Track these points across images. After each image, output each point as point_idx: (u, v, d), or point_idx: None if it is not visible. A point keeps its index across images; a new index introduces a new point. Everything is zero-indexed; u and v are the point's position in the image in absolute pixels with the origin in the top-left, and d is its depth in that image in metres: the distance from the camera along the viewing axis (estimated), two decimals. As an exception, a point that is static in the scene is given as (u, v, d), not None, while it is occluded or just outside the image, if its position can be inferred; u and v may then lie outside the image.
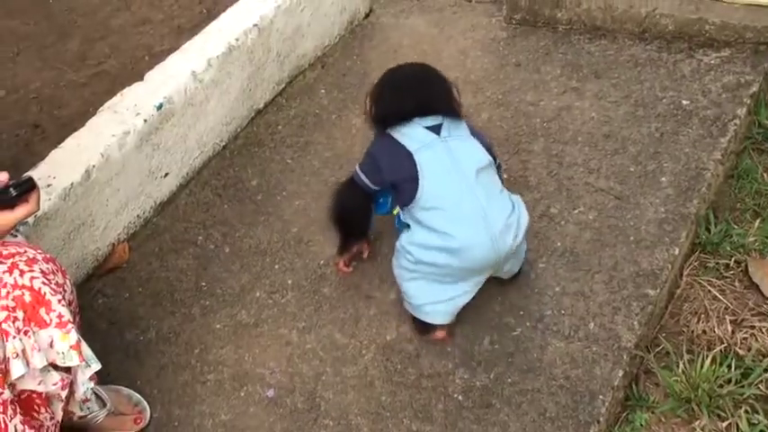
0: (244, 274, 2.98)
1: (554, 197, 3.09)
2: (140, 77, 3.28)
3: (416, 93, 2.61)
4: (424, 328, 2.66)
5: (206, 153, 3.38)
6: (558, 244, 2.92)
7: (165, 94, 3.14)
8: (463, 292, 2.57)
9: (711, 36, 3.68)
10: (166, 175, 3.21)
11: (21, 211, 2.17)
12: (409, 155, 2.51)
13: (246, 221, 3.18)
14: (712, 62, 3.60)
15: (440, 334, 2.66)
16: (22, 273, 2.13)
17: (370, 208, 2.75)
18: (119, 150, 2.96)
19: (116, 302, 2.92)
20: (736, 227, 3.08)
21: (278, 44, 3.57)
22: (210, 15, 3.75)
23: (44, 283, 2.14)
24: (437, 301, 2.57)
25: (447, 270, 2.50)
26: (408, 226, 2.58)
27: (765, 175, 3.29)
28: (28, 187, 2.18)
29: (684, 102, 3.42)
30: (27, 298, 2.10)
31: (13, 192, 2.15)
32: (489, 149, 2.63)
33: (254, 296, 2.91)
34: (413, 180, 2.49)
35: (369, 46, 3.91)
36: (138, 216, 3.15)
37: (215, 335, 2.80)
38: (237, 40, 3.38)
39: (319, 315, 2.81)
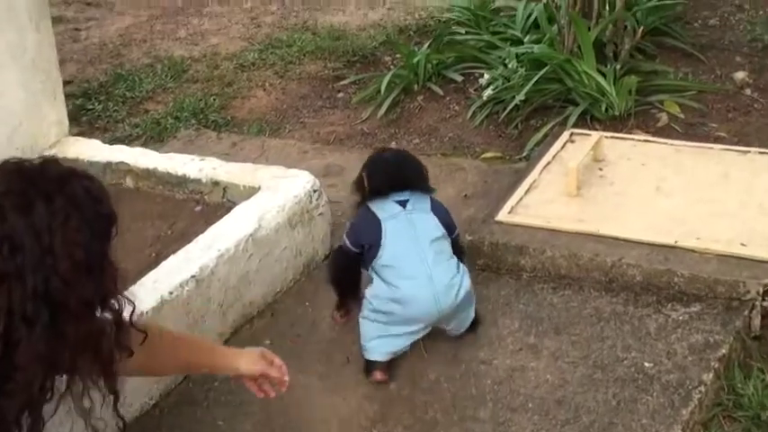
0: None
1: (494, 475, 2.82)
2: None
3: (393, 175, 3.36)
4: (366, 368, 3.25)
5: (132, 413, 3.16)
6: None
7: (85, 354, 2.95)
8: (403, 333, 3.22)
9: (681, 289, 3.48)
10: (84, 439, 2.99)
11: None
12: (379, 222, 3.23)
13: (164, 492, 2.94)
14: (680, 318, 3.38)
15: (378, 375, 3.22)
16: None
17: (357, 268, 3.38)
18: (23, 419, 2.76)
19: None
20: None
21: (219, 294, 3.40)
22: (159, 259, 3.61)
23: None
24: (378, 337, 3.22)
25: (394, 318, 3.18)
26: (372, 280, 3.26)
27: (736, 447, 3.01)
28: None
29: (647, 364, 3.19)
30: None
31: None
32: (447, 224, 3.36)
33: None
34: (378, 242, 3.21)
35: (324, 290, 3.73)
36: (47, 486, 2.91)
37: None
38: (172, 293, 3.22)
39: None
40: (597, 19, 5.14)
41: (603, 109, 4.84)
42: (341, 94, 5.65)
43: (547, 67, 4.92)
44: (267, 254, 3.60)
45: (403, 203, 3.29)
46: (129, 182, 4.10)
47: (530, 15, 5.71)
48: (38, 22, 4.07)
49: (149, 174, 4.04)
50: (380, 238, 3.22)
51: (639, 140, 4.45)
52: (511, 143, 4.81)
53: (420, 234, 3.24)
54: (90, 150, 4.21)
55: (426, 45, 5.66)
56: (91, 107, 5.71)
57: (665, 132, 4.72)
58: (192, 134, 5.15)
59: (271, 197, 3.72)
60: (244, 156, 4.85)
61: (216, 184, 3.92)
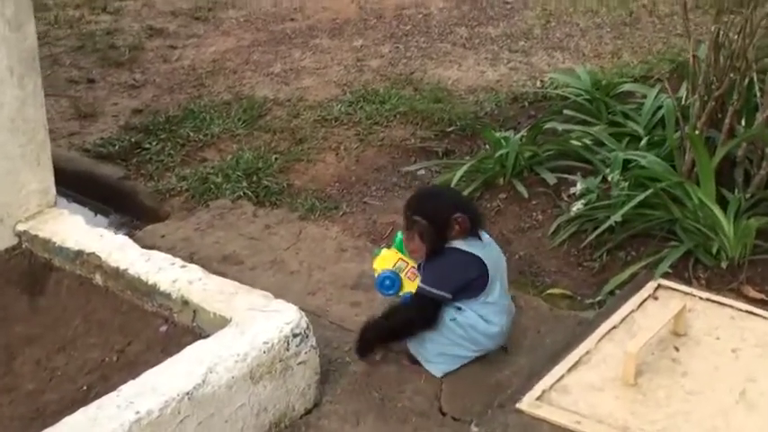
0: None
1: None
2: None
3: (476, 210, 3.39)
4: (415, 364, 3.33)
5: None
6: None
7: None
8: (467, 358, 3.31)
9: None
10: None
11: None
12: (480, 260, 3.21)
13: None
14: None
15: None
16: None
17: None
18: None
19: None
20: None
21: (133, 464, 2.69)
22: (89, 395, 2.99)
23: None
24: (447, 362, 3.29)
25: (479, 347, 3.29)
26: (459, 308, 3.24)
27: None
28: None
29: None
30: None
31: None
32: None
33: None
34: (485, 280, 3.21)
35: (286, 462, 2.99)
36: None
37: None
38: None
39: None
40: (730, 134, 4.16)
41: (714, 251, 3.88)
42: (421, 172, 4.86)
43: (650, 191, 3.98)
44: (212, 415, 2.88)
45: (479, 237, 3.28)
46: (98, 278, 3.44)
47: (659, 109, 4.76)
48: (21, 77, 3.46)
49: (118, 275, 3.37)
50: (487, 276, 3.21)
51: (741, 311, 3.50)
52: (589, 278, 3.92)
53: (499, 266, 3.30)
54: (67, 231, 3.58)
55: (522, 131, 4.78)
56: (147, 146, 5.10)
57: (787, 295, 3.74)
58: (227, 205, 4.47)
59: (234, 340, 2.99)
60: (272, 244, 4.16)
61: (186, 303, 3.21)
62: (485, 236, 3.33)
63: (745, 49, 4.01)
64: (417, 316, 3.25)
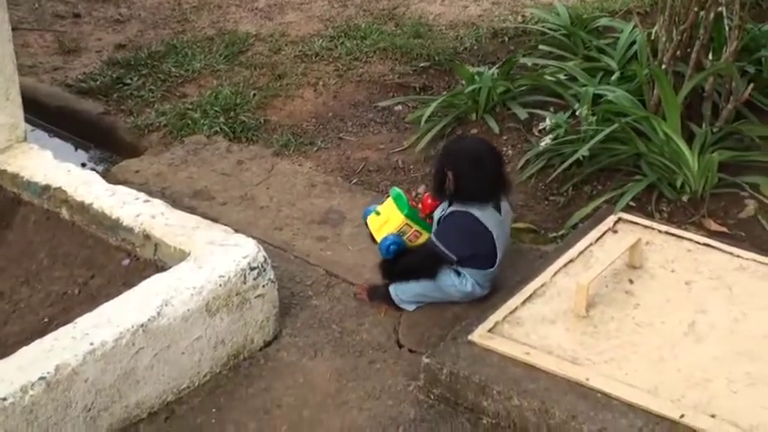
0: None
1: None
2: None
3: (494, 179, 3.23)
4: (388, 302, 3.42)
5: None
6: None
7: None
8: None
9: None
10: None
11: None
12: (491, 236, 3.22)
13: None
14: None
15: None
16: None
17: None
18: None
19: None
20: None
21: (87, 397, 2.80)
22: (50, 326, 3.07)
23: None
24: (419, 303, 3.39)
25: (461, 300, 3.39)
26: (458, 274, 3.32)
27: None
28: None
29: None
30: None
31: None
32: None
33: None
34: (491, 255, 3.27)
35: (240, 396, 3.08)
36: None
37: None
38: (5, 399, 2.62)
39: None
40: (697, 67, 4.18)
41: (678, 185, 3.92)
42: (398, 107, 4.89)
43: (615, 125, 4.01)
44: (167, 346, 2.97)
45: (498, 208, 3.26)
46: (65, 213, 3.51)
47: (632, 44, 4.76)
48: (-14, 13, 3.50)
49: (83, 209, 3.44)
50: (495, 254, 3.27)
51: (699, 244, 3.54)
52: (554, 212, 3.97)
53: (508, 240, 3.37)
54: (36, 166, 3.64)
55: (496, 67, 4.80)
56: (129, 82, 5.15)
57: (747, 227, 3.80)
58: (201, 141, 4.53)
59: (191, 273, 3.07)
60: (243, 180, 4.22)
61: (147, 237, 3.28)
62: (505, 206, 3.32)
63: (709, -16, 4.02)
64: (423, 265, 3.32)
